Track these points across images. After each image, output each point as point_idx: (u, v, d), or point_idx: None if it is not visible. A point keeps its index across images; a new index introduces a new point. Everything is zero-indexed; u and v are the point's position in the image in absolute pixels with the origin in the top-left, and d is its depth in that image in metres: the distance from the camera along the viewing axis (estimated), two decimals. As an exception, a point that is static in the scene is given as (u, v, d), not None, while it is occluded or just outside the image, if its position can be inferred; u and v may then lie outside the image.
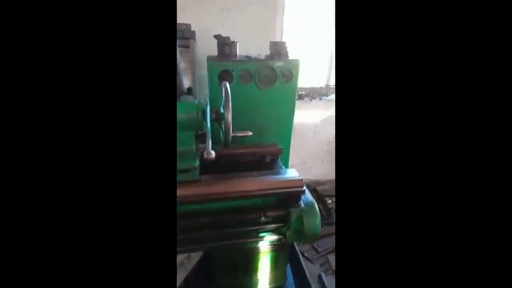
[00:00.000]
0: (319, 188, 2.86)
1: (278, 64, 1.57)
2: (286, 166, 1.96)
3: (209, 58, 1.55)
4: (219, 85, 1.50)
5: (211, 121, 1.14)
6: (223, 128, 1.13)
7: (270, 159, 1.45)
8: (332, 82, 2.69)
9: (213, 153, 0.90)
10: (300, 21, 2.45)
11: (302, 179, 1.14)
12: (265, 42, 2.08)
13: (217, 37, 1.52)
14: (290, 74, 1.59)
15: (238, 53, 1.60)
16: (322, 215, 2.44)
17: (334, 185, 2.93)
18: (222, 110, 1.11)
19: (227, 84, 1.10)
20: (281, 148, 1.43)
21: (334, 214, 2.54)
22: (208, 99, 1.29)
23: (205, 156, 0.89)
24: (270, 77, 1.58)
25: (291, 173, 1.23)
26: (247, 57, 1.62)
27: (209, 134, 1.07)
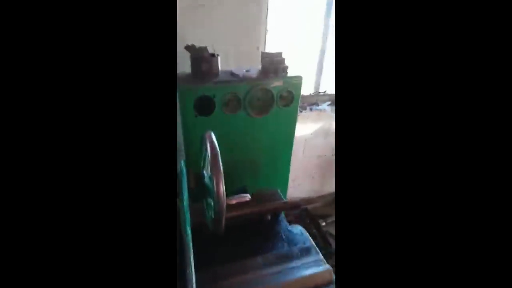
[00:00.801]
0: (310, 207, 2.58)
1: (275, 84, 1.15)
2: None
3: (180, 79, 1.10)
4: (195, 116, 1.07)
5: (190, 189, 0.74)
6: (210, 202, 0.73)
7: (272, 215, 1.09)
8: (322, 88, 2.39)
9: None
10: (284, 17, 2.06)
11: (330, 270, 0.79)
12: (247, 45, 1.67)
13: (190, 49, 1.06)
14: (289, 96, 1.20)
15: (220, 69, 1.16)
16: (317, 243, 2.13)
17: (325, 201, 2.72)
18: (207, 180, 0.71)
19: (212, 136, 0.70)
20: (286, 202, 1.07)
21: (330, 241, 2.26)
22: (183, 151, 0.88)
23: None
24: (265, 101, 1.17)
25: (307, 250, 0.89)
26: (232, 74, 1.18)
27: (187, 219, 0.67)
